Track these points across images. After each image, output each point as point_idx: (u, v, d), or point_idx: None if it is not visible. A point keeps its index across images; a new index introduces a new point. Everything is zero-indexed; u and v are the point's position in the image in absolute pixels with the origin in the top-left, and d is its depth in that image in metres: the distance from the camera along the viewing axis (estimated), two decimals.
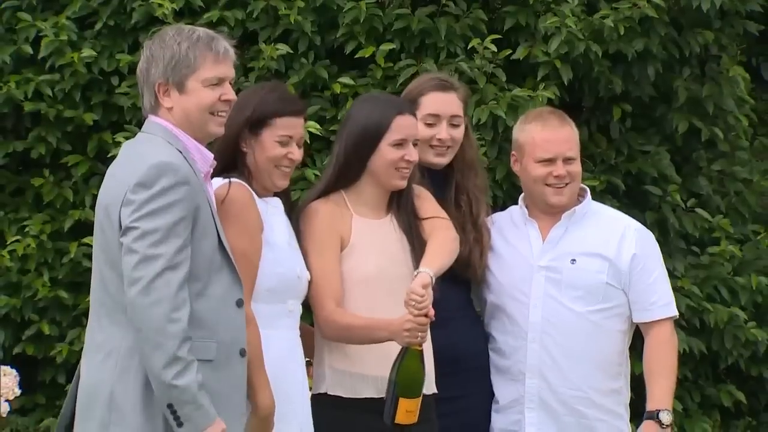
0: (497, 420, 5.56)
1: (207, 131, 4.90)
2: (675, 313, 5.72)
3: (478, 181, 5.55)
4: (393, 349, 5.02)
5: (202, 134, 4.89)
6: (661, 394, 5.54)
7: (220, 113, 4.89)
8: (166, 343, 4.55)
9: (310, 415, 5.05)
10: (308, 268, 5.10)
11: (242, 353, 4.76)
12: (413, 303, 4.89)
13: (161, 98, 4.89)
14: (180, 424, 4.57)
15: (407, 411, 4.96)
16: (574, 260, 5.54)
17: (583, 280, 5.52)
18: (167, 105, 4.88)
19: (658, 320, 5.63)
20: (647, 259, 5.62)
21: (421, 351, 4.94)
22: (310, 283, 5.16)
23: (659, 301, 5.64)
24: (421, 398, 5.00)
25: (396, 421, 4.95)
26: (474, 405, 5.55)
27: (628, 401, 5.72)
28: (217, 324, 4.73)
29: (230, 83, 4.93)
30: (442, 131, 5.42)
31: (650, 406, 5.55)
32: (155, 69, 4.88)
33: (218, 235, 4.80)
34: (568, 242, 5.57)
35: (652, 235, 5.75)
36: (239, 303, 4.77)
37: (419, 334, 4.92)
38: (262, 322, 4.95)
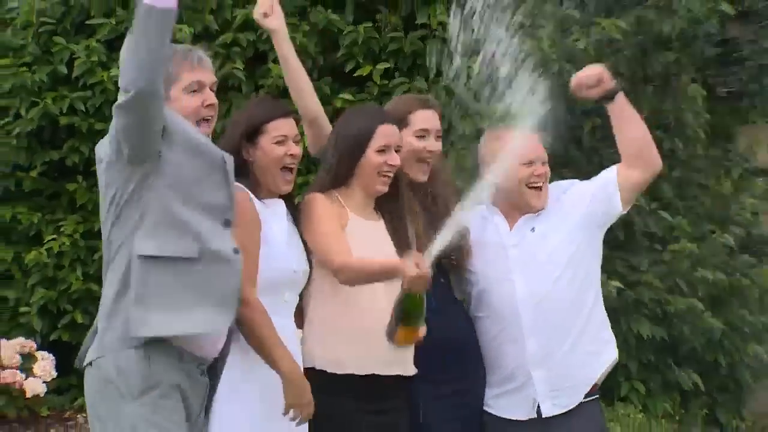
0: (495, 397, 5.47)
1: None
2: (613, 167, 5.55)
3: (451, 188, 5.49)
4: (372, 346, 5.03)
5: None
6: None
7: (205, 118, 4.83)
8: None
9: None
10: (314, 239, 5.05)
11: (236, 251, 4.65)
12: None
13: None
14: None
15: (405, 339, 4.90)
16: (533, 229, 5.46)
17: (551, 247, 5.44)
18: None
19: (614, 170, 5.51)
20: (579, 186, 5.55)
21: (418, 294, 4.83)
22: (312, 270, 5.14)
23: (603, 177, 5.51)
24: (418, 329, 4.91)
25: (396, 344, 4.91)
26: (471, 387, 5.47)
27: (612, 338, 5.58)
28: (202, 232, 4.62)
29: (211, 88, 4.85)
30: (432, 144, 5.40)
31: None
32: None
33: (226, 177, 4.72)
34: (530, 223, 5.50)
35: (573, 181, 5.62)
36: (226, 224, 4.68)
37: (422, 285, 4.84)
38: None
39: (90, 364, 4.67)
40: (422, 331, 4.97)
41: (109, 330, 4.62)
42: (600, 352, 5.48)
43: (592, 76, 5.41)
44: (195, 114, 4.81)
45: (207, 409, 4.82)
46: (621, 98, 5.47)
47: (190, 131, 4.69)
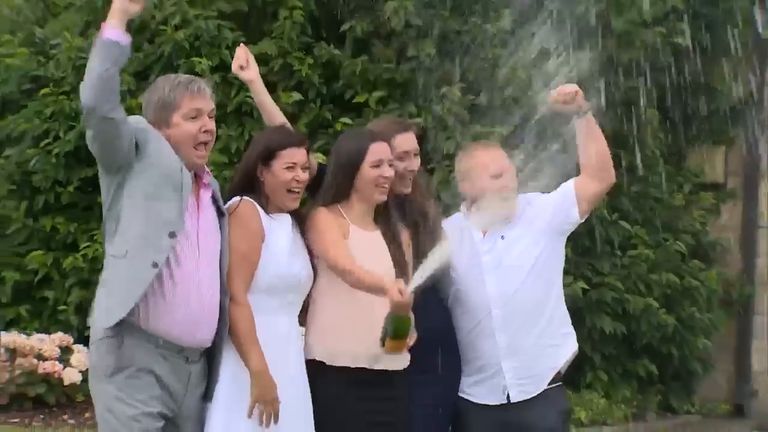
0: (470, 385, 5.38)
1: (192, 156, 4.78)
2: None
3: (432, 200, 5.46)
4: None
5: (189, 160, 4.78)
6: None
7: (202, 141, 4.80)
8: None
9: (306, 380, 4.98)
10: (320, 247, 5.02)
11: (153, 265, 4.62)
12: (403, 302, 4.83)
13: None
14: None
15: (393, 348, 4.88)
16: (503, 236, 5.38)
17: (518, 252, 5.36)
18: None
19: (573, 181, 5.41)
20: (543, 197, 5.45)
21: (404, 314, 4.84)
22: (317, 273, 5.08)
23: (562, 189, 5.40)
24: (406, 340, 4.88)
25: (386, 352, 4.89)
26: (448, 377, 5.37)
27: (573, 331, 5.52)
28: (139, 239, 4.65)
29: (209, 115, 4.83)
30: (413, 163, 5.34)
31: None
32: (148, 110, 4.81)
33: (182, 195, 4.71)
34: (502, 231, 5.41)
35: (538, 194, 5.52)
36: (171, 235, 4.66)
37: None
38: (267, 310, 4.88)
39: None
40: (411, 340, 4.91)
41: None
42: (562, 344, 5.42)
43: (570, 92, 5.30)
44: (193, 138, 4.79)
45: (209, 392, 4.83)
46: (590, 116, 5.38)
47: (163, 153, 4.71)
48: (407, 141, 5.28)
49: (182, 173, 4.72)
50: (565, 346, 5.42)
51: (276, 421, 4.78)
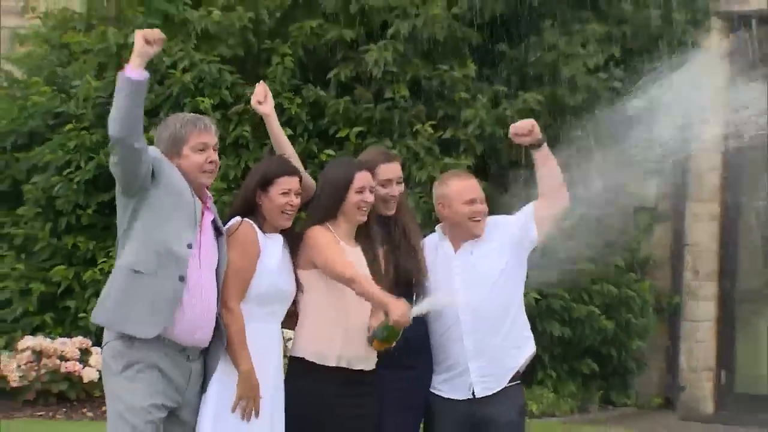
0: (441, 382, 5.33)
1: (199, 183, 4.82)
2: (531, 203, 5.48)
3: (412, 220, 5.43)
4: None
5: (196, 186, 4.81)
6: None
7: (207, 170, 4.83)
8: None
9: (282, 376, 4.97)
10: (325, 259, 4.95)
11: (180, 279, 4.67)
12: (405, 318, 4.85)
13: None
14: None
15: (380, 347, 4.91)
16: (472, 252, 5.34)
17: (485, 267, 5.31)
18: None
19: (533, 205, 5.40)
20: (507, 219, 5.43)
21: (399, 329, 4.86)
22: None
23: (523, 211, 5.39)
24: (391, 344, 4.90)
25: (374, 349, 4.93)
26: (421, 375, 5.33)
27: (531, 335, 5.45)
28: (158, 255, 4.67)
29: (214, 148, 4.86)
30: (394, 189, 5.29)
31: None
32: (160, 143, 4.83)
33: (195, 215, 4.75)
34: (472, 248, 5.37)
35: (500, 216, 5.52)
36: (189, 246, 4.71)
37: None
38: (255, 317, 4.86)
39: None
40: (392, 345, 4.93)
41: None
42: (522, 346, 5.38)
43: (526, 125, 5.31)
44: (200, 167, 4.81)
45: (205, 385, 4.82)
46: (545, 147, 5.38)
47: (174, 179, 4.74)
48: (391, 170, 5.25)
49: (193, 197, 4.76)
50: (525, 348, 5.38)
51: (257, 416, 4.77)
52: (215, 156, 4.85)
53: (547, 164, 5.39)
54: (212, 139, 4.85)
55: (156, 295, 4.65)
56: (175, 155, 4.78)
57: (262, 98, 5.31)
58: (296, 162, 5.23)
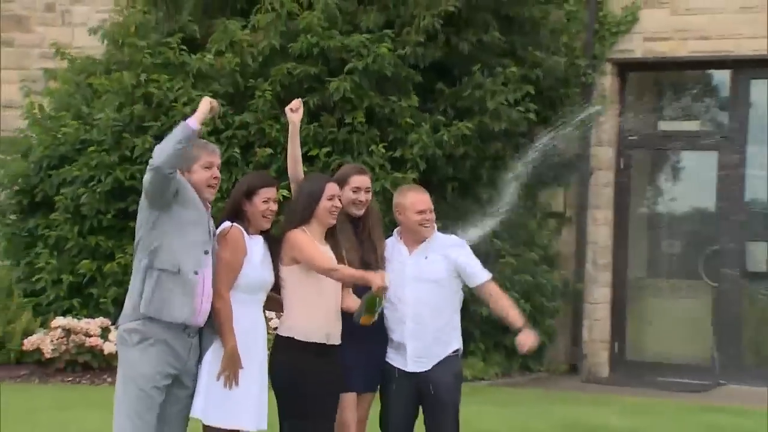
0: (391, 353, 5.33)
1: (204, 197, 4.83)
2: (490, 275, 5.36)
3: (377, 223, 5.40)
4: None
5: (201, 198, 4.82)
6: (516, 315, 5.23)
7: (211, 185, 4.85)
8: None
9: (266, 355, 4.96)
10: (307, 256, 4.93)
11: (195, 273, 4.69)
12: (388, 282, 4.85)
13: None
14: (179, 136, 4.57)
15: (366, 321, 4.88)
16: (426, 257, 5.32)
17: (432, 270, 5.30)
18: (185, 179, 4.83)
19: (484, 281, 5.33)
20: (462, 253, 5.37)
21: (380, 296, 4.84)
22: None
23: (477, 270, 5.34)
24: (375, 316, 4.89)
25: (360, 323, 4.88)
26: (378, 349, 5.33)
27: (460, 335, 5.37)
28: (186, 255, 4.69)
29: (217, 167, 4.88)
30: (362, 196, 5.29)
31: (518, 324, 5.20)
32: None
33: (208, 225, 4.77)
34: (424, 253, 5.36)
35: (464, 242, 5.47)
36: (206, 252, 4.73)
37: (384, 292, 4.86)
38: (243, 303, 4.85)
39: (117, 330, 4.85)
40: (376, 317, 4.93)
41: (125, 308, 4.78)
42: (450, 342, 5.32)
43: (533, 345, 5.17)
44: (206, 182, 4.82)
45: (200, 358, 4.81)
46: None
47: (194, 197, 4.76)
48: (361, 180, 5.27)
49: (204, 208, 4.80)
50: (453, 343, 5.32)
51: (237, 384, 4.76)
52: (218, 173, 4.87)
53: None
54: (217, 160, 4.88)
55: (184, 287, 4.68)
56: (187, 171, 4.78)
57: (294, 106, 5.29)
58: (299, 164, 5.24)
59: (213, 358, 4.78)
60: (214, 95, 9.79)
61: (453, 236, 5.45)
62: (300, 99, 5.39)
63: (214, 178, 4.84)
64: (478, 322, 9.70)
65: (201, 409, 4.77)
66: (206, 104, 4.72)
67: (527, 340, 5.14)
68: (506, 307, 5.27)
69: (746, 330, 10.87)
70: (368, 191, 5.32)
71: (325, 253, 4.98)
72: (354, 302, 5.01)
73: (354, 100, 9.74)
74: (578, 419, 8.32)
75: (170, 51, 10.04)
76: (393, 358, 5.31)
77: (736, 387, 10.38)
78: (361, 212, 5.29)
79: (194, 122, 4.63)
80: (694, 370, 10.77)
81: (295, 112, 5.29)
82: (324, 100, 9.82)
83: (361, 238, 5.27)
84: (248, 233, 4.91)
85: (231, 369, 4.76)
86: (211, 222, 4.88)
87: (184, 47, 10.09)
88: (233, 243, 4.83)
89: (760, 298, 10.90)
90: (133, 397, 4.66)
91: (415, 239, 5.34)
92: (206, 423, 4.81)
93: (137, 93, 10.06)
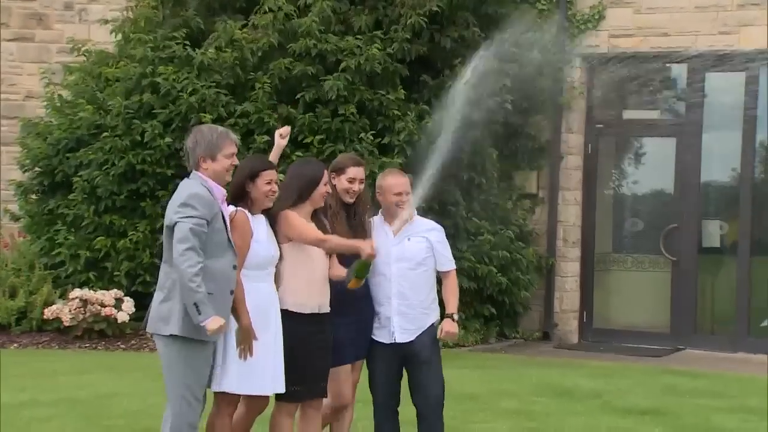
0: (376, 330, 5.35)
1: (224, 180, 4.80)
2: (454, 266, 5.46)
3: (366, 209, 5.38)
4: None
5: (221, 182, 4.78)
6: (453, 305, 5.36)
7: (231, 171, 4.81)
8: (188, 277, 4.53)
9: (281, 325, 4.92)
10: (299, 232, 4.94)
11: (231, 293, 4.69)
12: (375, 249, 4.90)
13: (201, 164, 4.75)
14: (199, 313, 4.51)
15: (355, 285, 4.93)
16: (409, 239, 5.34)
17: (414, 251, 5.33)
18: (204, 167, 4.74)
19: (448, 270, 5.41)
20: (440, 238, 5.41)
21: (369, 263, 4.90)
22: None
23: (446, 260, 5.41)
24: (363, 281, 4.95)
25: (350, 287, 4.93)
26: (366, 322, 5.33)
27: (438, 307, 5.41)
28: (221, 276, 4.66)
29: (235, 155, 4.82)
30: (356, 186, 5.27)
31: (448, 311, 5.35)
32: (199, 148, 4.75)
33: (226, 230, 4.72)
34: (406, 234, 5.36)
35: (441, 228, 5.50)
36: (234, 267, 4.70)
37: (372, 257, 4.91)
38: (255, 279, 4.86)
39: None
40: (363, 281, 4.98)
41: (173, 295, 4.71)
42: (430, 314, 5.37)
43: (453, 335, 5.34)
44: (229, 169, 4.78)
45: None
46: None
47: (214, 205, 4.70)
48: (356, 171, 5.25)
49: (223, 220, 4.75)
50: (432, 315, 5.37)
51: (251, 355, 4.76)
52: (237, 160, 4.84)
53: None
54: (235, 149, 4.84)
55: (229, 286, 4.71)
56: (211, 158, 4.72)
57: (284, 134, 5.35)
58: (276, 159, 5.27)
59: (230, 334, 4.77)
60: (217, 86, 9.82)
61: (432, 221, 5.49)
62: (288, 127, 5.44)
63: (234, 164, 4.81)
64: (459, 294, 9.68)
65: (223, 381, 4.78)
66: (278, 137, 4.87)
67: (449, 327, 5.30)
68: (449, 296, 5.39)
69: (701, 300, 10.97)
70: (362, 182, 5.32)
71: (313, 227, 5.00)
72: (340, 270, 5.03)
73: (347, 95, 9.77)
74: (550, 381, 8.37)
75: (176, 45, 10.02)
76: (378, 335, 5.34)
77: (692, 351, 10.48)
78: (353, 200, 5.30)
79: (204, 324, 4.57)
80: (655, 336, 10.85)
81: (283, 138, 5.34)
82: (319, 94, 9.83)
83: (351, 223, 5.28)
84: (252, 213, 4.90)
85: (246, 343, 4.76)
86: (225, 208, 4.82)
87: (188, 42, 10.06)
88: (240, 227, 4.80)
89: (713, 272, 11.00)
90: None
91: (392, 217, 5.36)
92: (229, 391, 4.80)
93: (144, 82, 10.05)
